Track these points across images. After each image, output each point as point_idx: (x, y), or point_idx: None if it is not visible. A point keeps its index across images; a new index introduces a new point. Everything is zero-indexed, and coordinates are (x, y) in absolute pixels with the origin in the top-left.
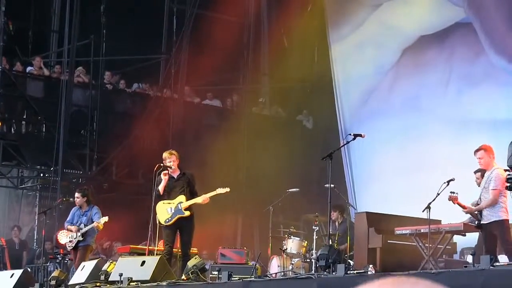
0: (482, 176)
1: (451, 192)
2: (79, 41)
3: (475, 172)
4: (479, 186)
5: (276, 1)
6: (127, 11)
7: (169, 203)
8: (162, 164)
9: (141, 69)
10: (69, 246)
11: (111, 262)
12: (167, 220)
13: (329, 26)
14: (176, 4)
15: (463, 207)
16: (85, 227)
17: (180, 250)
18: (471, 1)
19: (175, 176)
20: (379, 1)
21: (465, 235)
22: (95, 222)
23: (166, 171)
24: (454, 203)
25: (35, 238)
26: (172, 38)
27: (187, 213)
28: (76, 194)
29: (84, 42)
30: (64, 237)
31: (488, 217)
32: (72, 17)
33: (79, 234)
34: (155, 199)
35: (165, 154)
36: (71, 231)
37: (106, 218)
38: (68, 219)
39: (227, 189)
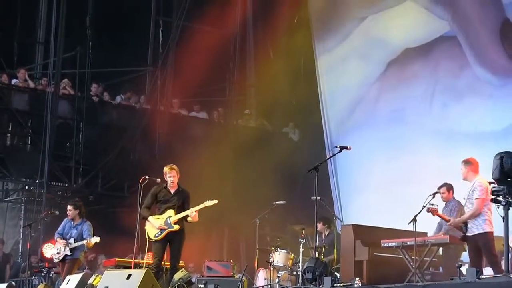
0: (448, 190)
1: (430, 204)
2: (65, 53)
3: (439, 188)
4: (444, 201)
5: (262, 13)
6: (113, 23)
7: (158, 218)
8: (147, 177)
9: (127, 81)
10: (55, 258)
11: (97, 276)
12: (157, 235)
13: (315, 39)
14: (162, 17)
15: (446, 219)
16: (74, 241)
17: (169, 263)
18: (455, 15)
19: (172, 192)
20: (364, 14)
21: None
22: (85, 240)
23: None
24: (434, 215)
25: (20, 251)
26: (158, 50)
27: (176, 226)
28: (69, 207)
29: (70, 54)
30: (51, 249)
31: (472, 229)
32: (58, 29)
33: (67, 248)
34: (140, 212)
35: (165, 169)
36: (59, 243)
37: (97, 239)
38: (58, 229)
39: (215, 201)
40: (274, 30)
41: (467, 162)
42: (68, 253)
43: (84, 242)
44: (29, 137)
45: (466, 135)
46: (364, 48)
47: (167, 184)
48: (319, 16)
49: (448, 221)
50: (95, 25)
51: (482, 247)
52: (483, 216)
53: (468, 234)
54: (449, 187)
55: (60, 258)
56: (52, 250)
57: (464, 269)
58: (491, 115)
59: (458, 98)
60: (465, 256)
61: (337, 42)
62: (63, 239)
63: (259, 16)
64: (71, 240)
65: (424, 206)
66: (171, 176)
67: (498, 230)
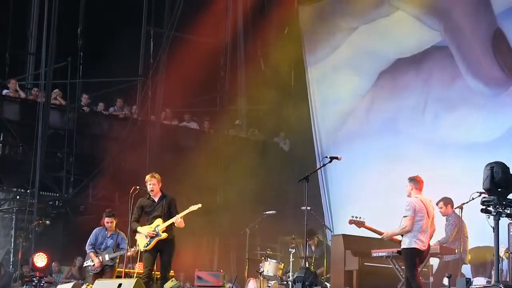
0: (445, 204)
1: (352, 216)
2: (56, 63)
3: (437, 203)
4: (444, 215)
5: (252, 23)
6: (104, 34)
7: (146, 227)
8: (138, 187)
9: (118, 91)
10: (93, 270)
11: (88, 285)
12: (146, 245)
13: (306, 49)
14: (153, 27)
15: (378, 232)
16: (113, 251)
17: (159, 272)
18: (447, 25)
19: (156, 200)
20: (355, 25)
21: (441, 257)
22: (132, 250)
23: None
24: (359, 227)
25: (11, 260)
26: (149, 60)
27: (164, 235)
28: (109, 219)
29: (61, 65)
30: (43, 259)
31: (402, 244)
32: (49, 39)
33: (107, 259)
34: (131, 226)
35: (147, 177)
36: (95, 256)
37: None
38: (90, 240)
39: (199, 205)
40: (264, 40)
41: (412, 180)
42: (109, 263)
43: (131, 253)
44: (20, 147)
45: (458, 145)
46: (355, 58)
47: (149, 194)
48: (310, 26)
49: (381, 234)
50: (86, 35)
51: (404, 261)
52: (413, 233)
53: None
54: (446, 201)
55: (99, 269)
56: (89, 262)
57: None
58: (483, 126)
59: (450, 109)
60: (465, 268)
61: (328, 53)
62: (93, 252)
63: (250, 26)
64: (109, 250)
65: None
66: (151, 184)
67: (488, 240)
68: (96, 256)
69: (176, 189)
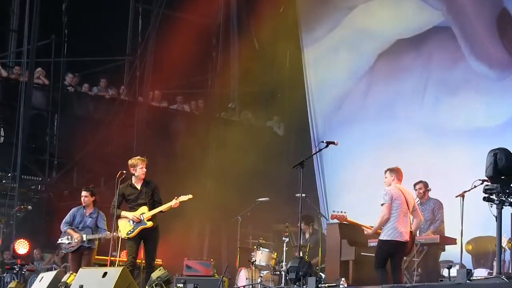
0: (425, 186)
1: (334, 211)
2: (39, 41)
3: (415, 184)
4: (420, 198)
5: (246, 1)
6: (90, 10)
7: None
8: (124, 171)
9: (105, 71)
10: (67, 248)
11: (71, 273)
12: (129, 232)
13: (302, 29)
14: (142, 4)
15: (359, 225)
16: (92, 231)
17: (144, 261)
18: (450, 5)
19: (139, 187)
20: (353, 3)
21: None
22: (107, 233)
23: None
24: (341, 222)
25: None
26: (137, 39)
27: (149, 223)
28: (84, 193)
29: (44, 42)
30: (23, 246)
31: (380, 234)
32: (32, 16)
33: (85, 240)
34: (116, 209)
35: (135, 161)
36: (71, 234)
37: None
38: (66, 219)
39: (190, 196)
40: (259, 19)
41: (392, 170)
42: (86, 245)
43: (106, 235)
44: (1, 129)
45: (459, 131)
46: (353, 39)
47: (131, 180)
48: (307, 5)
49: (359, 225)
50: (71, 12)
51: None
52: (391, 223)
53: None
54: (426, 185)
55: (74, 248)
56: (64, 240)
57: (454, 270)
58: (487, 111)
59: (451, 92)
60: (443, 256)
61: (325, 33)
62: (73, 229)
63: (244, 4)
64: (87, 230)
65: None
66: (143, 167)
67: (490, 230)
68: (75, 233)
69: (165, 174)
